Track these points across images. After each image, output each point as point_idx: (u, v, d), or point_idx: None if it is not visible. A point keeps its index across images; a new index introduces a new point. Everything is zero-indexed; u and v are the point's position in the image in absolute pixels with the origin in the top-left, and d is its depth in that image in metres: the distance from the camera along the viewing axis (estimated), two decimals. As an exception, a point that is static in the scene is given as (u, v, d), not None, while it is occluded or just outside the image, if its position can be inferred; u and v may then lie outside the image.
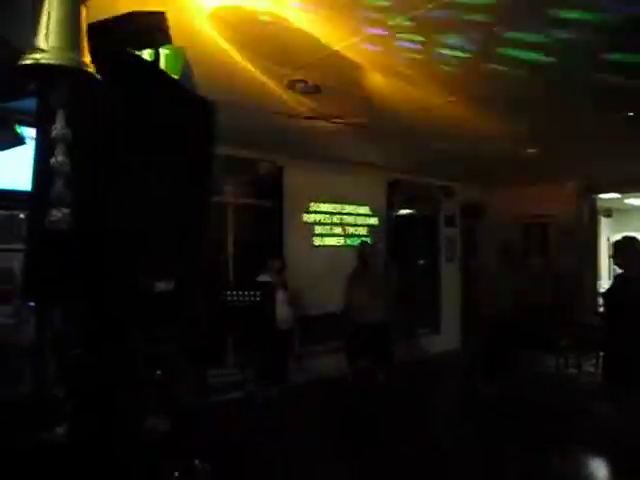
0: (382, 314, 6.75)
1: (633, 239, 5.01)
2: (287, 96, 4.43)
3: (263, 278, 6.00)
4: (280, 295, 6.11)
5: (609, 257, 11.50)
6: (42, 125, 1.44)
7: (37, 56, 1.28)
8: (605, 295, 5.44)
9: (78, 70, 1.31)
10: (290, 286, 6.30)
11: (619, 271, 5.03)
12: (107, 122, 1.53)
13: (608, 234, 12.51)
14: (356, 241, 7.83)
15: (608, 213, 12.67)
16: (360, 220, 8.03)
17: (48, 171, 1.36)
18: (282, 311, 6.06)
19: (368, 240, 7.70)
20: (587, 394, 6.45)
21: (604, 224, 12.43)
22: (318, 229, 7.49)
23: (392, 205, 8.49)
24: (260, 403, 5.85)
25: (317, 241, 7.46)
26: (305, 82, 4.06)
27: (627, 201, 11.58)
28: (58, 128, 1.38)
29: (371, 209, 8.16)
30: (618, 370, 4.79)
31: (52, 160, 1.37)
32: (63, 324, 1.67)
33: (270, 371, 6.03)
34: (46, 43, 1.29)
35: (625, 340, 4.62)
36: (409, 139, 6.24)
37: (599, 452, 4.83)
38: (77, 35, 1.34)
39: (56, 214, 1.33)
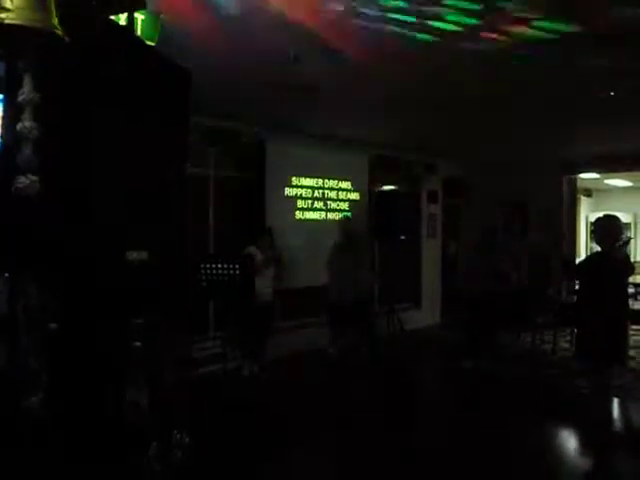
0: (366, 289, 6.83)
1: (613, 217, 5.06)
2: (269, 66, 4.36)
3: (250, 250, 6.00)
4: (267, 270, 6.12)
5: (590, 236, 11.68)
6: (9, 89, 1.40)
7: (1, 16, 1.23)
8: (578, 268, 5.50)
9: (45, 32, 1.26)
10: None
11: (598, 249, 5.10)
12: (76, 87, 1.49)
13: (587, 214, 12.69)
14: (338, 216, 7.82)
15: (588, 193, 12.82)
16: (342, 195, 8.02)
17: (15, 136, 1.32)
18: (262, 285, 6.06)
19: (349, 215, 7.72)
20: (561, 369, 6.60)
21: (584, 204, 12.59)
22: (300, 203, 7.45)
23: (374, 180, 8.47)
24: (244, 377, 5.90)
25: (299, 215, 7.44)
26: (287, 52, 3.99)
27: (607, 181, 11.71)
28: (25, 92, 1.34)
29: (353, 184, 8.13)
30: (590, 346, 4.91)
31: (19, 125, 1.33)
32: (38, 295, 1.65)
33: (249, 345, 6.07)
34: (11, 2, 1.24)
35: (599, 316, 4.72)
36: (392, 112, 6.20)
37: (570, 424, 4.96)
38: (44, -5, 1.29)
39: (23, 181, 1.30)
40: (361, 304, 6.83)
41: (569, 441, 4.73)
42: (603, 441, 4.57)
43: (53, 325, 1.71)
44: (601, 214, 5.32)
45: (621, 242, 4.91)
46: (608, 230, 4.88)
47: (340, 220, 7.33)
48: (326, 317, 6.95)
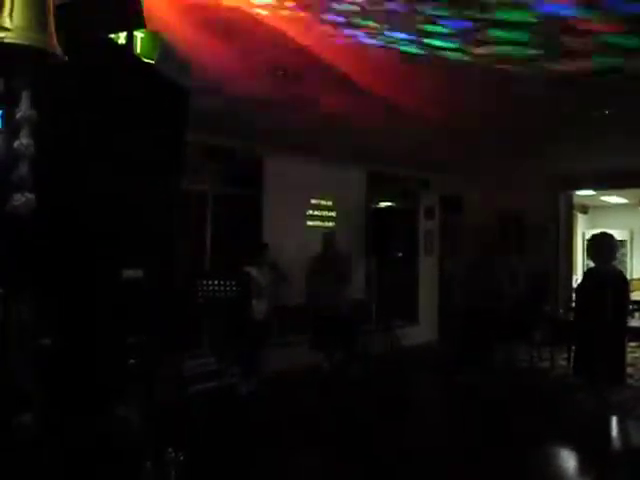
0: (347, 303, 6.77)
1: (607, 235, 5.09)
2: (267, 83, 4.40)
3: (256, 275, 6.02)
4: (267, 288, 6.12)
5: (585, 253, 11.70)
6: (6, 107, 1.40)
7: (0, 35, 1.24)
8: (577, 290, 5.54)
9: (44, 51, 1.27)
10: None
11: (592, 266, 5.13)
12: (75, 105, 1.50)
13: (583, 230, 12.72)
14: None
15: (584, 210, 12.88)
16: (340, 212, 8.02)
17: (12, 154, 1.32)
18: (261, 302, 6.06)
19: (333, 228, 7.70)
20: (559, 386, 6.58)
21: (580, 220, 12.63)
22: (298, 220, 7.46)
23: (371, 197, 8.49)
24: (242, 395, 5.86)
25: (297, 231, 7.43)
26: (285, 69, 4.03)
27: (603, 198, 11.77)
28: (23, 110, 1.34)
29: (351, 200, 8.15)
30: (588, 362, 4.90)
31: (16, 143, 1.33)
32: (31, 311, 1.65)
33: (246, 361, 6.04)
34: (10, 22, 1.25)
35: (595, 333, 4.72)
36: (389, 129, 6.24)
37: (568, 442, 4.92)
38: (43, 14, 1.30)
39: (19, 198, 1.30)
40: (344, 320, 6.76)
41: (567, 459, 4.69)
42: (602, 459, 4.53)
43: (46, 341, 1.70)
44: (597, 231, 5.35)
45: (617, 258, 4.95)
46: (604, 247, 4.90)
47: (325, 233, 7.26)
48: (311, 332, 6.88)
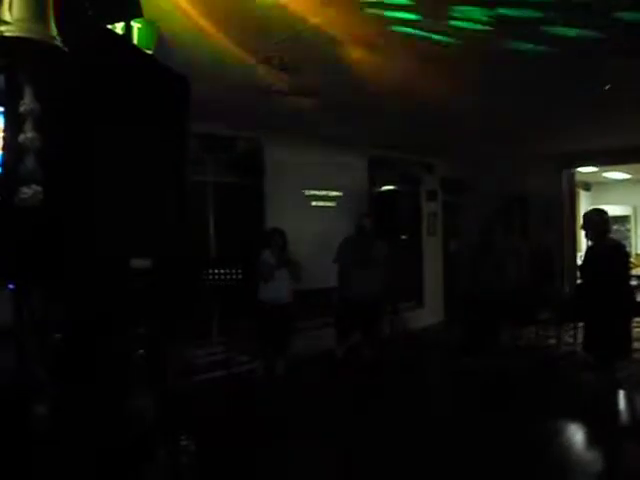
0: (379, 289, 6.73)
1: (600, 211, 5.08)
2: (264, 71, 4.37)
3: (266, 256, 6.06)
4: (281, 273, 6.15)
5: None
6: (10, 101, 1.41)
7: (1, 28, 1.24)
8: (580, 268, 5.55)
9: (44, 43, 1.28)
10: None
11: (590, 244, 5.14)
12: (77, 96, 1.50)
13: (587, 207, 12.67)
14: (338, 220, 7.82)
15: (587, 187, 12.82)
16: (344, 196, 8.00)
17: (17, 148, 1.33)
18: (279, 286, 6.10)
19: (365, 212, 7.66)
20: (566, 363, 6.61)
21: (583, 197, 12.59)
22: (299, 207, 7.45)
23: (374, 181, 8.48)
24: (258, 379, 5.93)
25: (300, 219, 7.42)
26: (281, 58, 4.00)
27: (605, 174, 11.70)
28: (27, 103, 1.35)
29: (354, 185, 8.14)
30: (596, 339, 4.91)
31: (21, 136, 1.34)
32: (42, 306, 1.66)
33: (262, 347, 6.12)
34: (10, 15, 1.25)
35: (599, 310, 4.73)
36: (389, 114, 6.21)
37: (577, 419, 4.95)
38: (42, 6, 1.30)
39: (27, 191, 1.31)
40: (374, 305, 6.74)
41: (576, 435, 4.73)
42: (611, 434, 4.57)
43: (57, 335, 1.72)
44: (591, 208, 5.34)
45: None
46: (597, 224, 4.90)
47: (359, 215, 7.19)
48: (335, 315, 6.89)
